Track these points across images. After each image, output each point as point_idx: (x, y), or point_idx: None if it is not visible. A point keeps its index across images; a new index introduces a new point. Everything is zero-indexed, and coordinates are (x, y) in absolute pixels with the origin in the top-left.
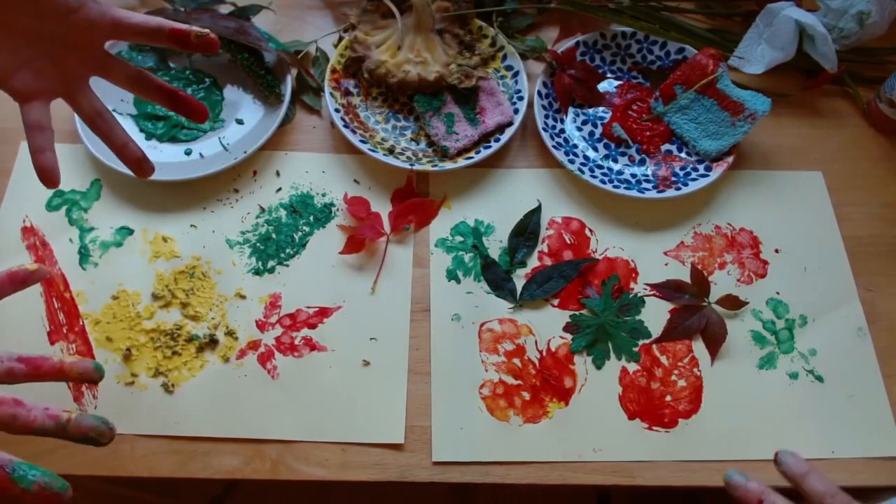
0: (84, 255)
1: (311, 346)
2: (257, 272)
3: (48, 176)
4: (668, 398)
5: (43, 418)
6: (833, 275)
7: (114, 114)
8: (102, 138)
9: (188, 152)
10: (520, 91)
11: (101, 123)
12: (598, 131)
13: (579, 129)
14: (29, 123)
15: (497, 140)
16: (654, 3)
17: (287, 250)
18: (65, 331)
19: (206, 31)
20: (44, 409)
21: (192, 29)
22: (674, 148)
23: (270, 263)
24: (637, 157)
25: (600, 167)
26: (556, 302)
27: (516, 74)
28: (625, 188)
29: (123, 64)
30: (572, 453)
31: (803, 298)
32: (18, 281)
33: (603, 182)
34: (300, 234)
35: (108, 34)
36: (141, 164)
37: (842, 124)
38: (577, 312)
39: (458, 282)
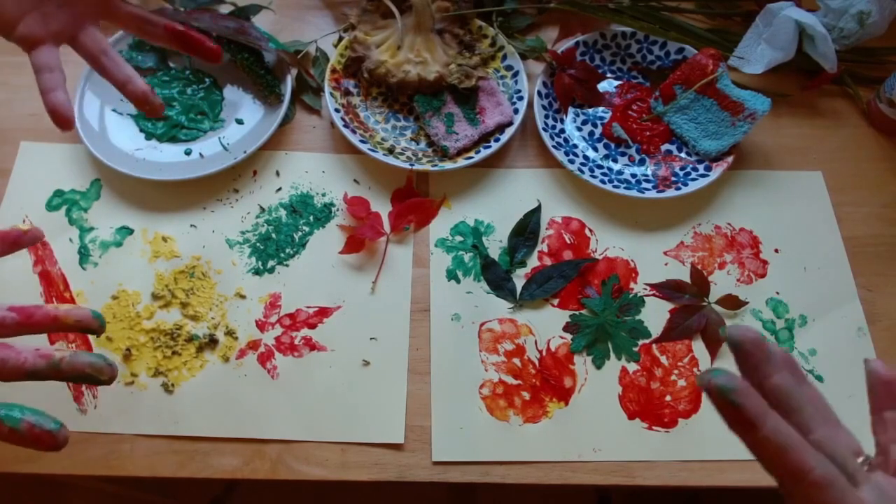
0: (84, 255)
1: (311, 345)
2: (257, 272)
3: (60, 115)
4: (668, 398)
5: (34, 359)
6: (833, 275)
7: (114, 113)
8: (106, 76)
9: (188, 152)
10: (520, 91)
11: (105, 62)
12: (598, 131)
13: (579, 129)
14: (38, 66)
15: (497, 140)
16: (654, 3)
17: (287, 250)
18: None
19: None
20: (34, 350)
21: None
22: (674, 148)
23: (270, 263)
24: (637, 157)
25: (600, 167)
26: (555, 302)
27: (516, 74)
28: (625, 188)
29: (129, 7)
30: (572, 453)
31: (803, 298)
32: (10, 241)
33: (603, 182)
34: (300, 233)
35: None
36: (147, 98)
37: (842, 124)
38: (576, 312)
39: (458, 282)
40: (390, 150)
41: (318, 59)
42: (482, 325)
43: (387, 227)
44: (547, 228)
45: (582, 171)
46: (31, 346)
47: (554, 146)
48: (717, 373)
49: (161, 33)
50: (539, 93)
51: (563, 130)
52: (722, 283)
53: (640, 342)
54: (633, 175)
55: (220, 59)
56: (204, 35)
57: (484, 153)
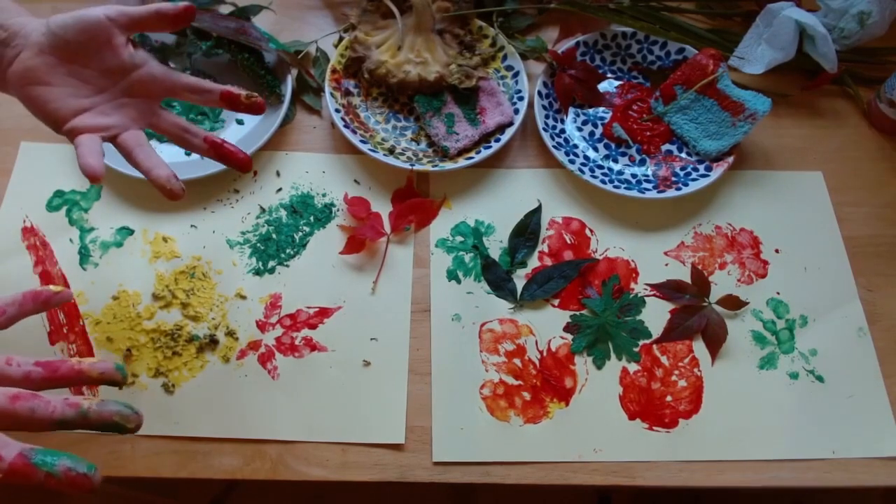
0: (84, 256)
1: (312, 346)
2: (257, 272)
3: (90, 173)
4: (669, 398)
5: (63, 408)
6: (833, 275)
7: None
8: (134, 165)
9: (188, 153)
10: (520, 91)
11: (138, 153)
12: (599, 131)
13: (579, 129)
14: (78, 143)
15: (497, 140)
16: (654, 3)
17: (287, 250)
18: (65, 331)
19: (256, 94)
20: (63, 400)
21: (242, 92)
22: (674, 148)
23: (271, 264)
24: (637, 158)
25: (600, 167)
26: (556, 302)
27: (516, 74)
28: (625, 188)
29: (173, 116)
30: (572, 453)
31: (803, 298)
32: (41, 301)
33: (603, 182)
34: (300, 234)
35: (168, 91)
36: (170, 183)
37: (842, 124)
38: (577, 312)
39: (459, 282)
40: (391, 151)
41: (319, 60)
42: (483, 325)
43: (387, 227)
44: (547, 229)
45: (582, 172)
46: (60, 397)
47: (554, 146)
48: None
49: (199, 143)
50: (539, 93)
51: (563, 130)
52: (722, 283)
53: (641, 342)
54: (634, 175)
55: (250, 169)
56: (237, 148)
57: (484, 153)
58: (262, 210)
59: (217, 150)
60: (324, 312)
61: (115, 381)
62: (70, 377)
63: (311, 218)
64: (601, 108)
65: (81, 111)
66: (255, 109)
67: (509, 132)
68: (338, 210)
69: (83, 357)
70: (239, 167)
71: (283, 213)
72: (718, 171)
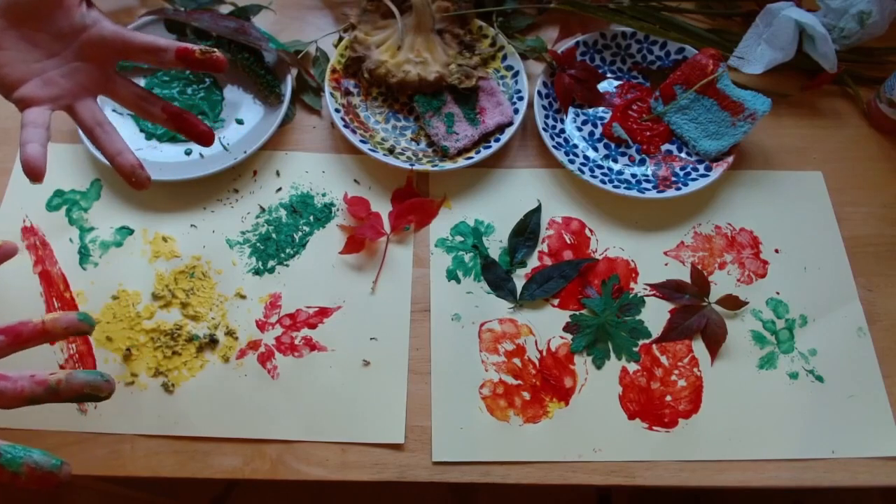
0: (84, 255)
1: (312, 345)
2: (257, 272)
3: (33, 168)
4: (668, 398)
5: (31, 386)
6: (833, 275)
7: (113, 113)
8: (98, 147)
9: (188, 152)
10: (520, 91)
11: (99, 133)
12: (598, 131)
13: (579, 129)
14: (26, 121)
15: (497, 140)
16: (654, 3)
17: (287, 250)
18: None
19: (213, 49)
20: (30, 377)
21: (197, 47)
22: (674, 148)
23: (270, 263)
24: (637, 157)
25: (600, 167)
26: (556, 302)
27: (516, 74)
28: (625, 188)
29: (130, 84)
30: (572, 453)
31: (803, 298)
32: None
33: (603, 182)
34: (300, 233)
35: (119, 52)
36: (135, 171)
37: (842, 124)
38: (577, 312)
39: (458, 282)
40: (390, 150)
41: (319, 59)
42: (482, 325)
43: (387, 227)
44: (547, 228)
45: (582, 171)
46: (27, 372)
47: (554, 146)
48: None
49: (158, 112)
50: (539, 93)
51: (563, 130)
52: (722, 283)
53: (641, 342)
54: (634, 175)
55: (212, 142)
56: (198, 119)
57: (484, 153)
58: (262, 210)
59: (176, 121)
60: (323, 312)
61: (81, 331)
62: (35, 338)
63: (311, 218)
64: (601, 108)
65: (32, 76)
66: (212, 66)
67: (509, 132)
68: (337, 210)
69: (83, 358)
70: (200, 140)
71: (282, 212)
72: (718, 170)
